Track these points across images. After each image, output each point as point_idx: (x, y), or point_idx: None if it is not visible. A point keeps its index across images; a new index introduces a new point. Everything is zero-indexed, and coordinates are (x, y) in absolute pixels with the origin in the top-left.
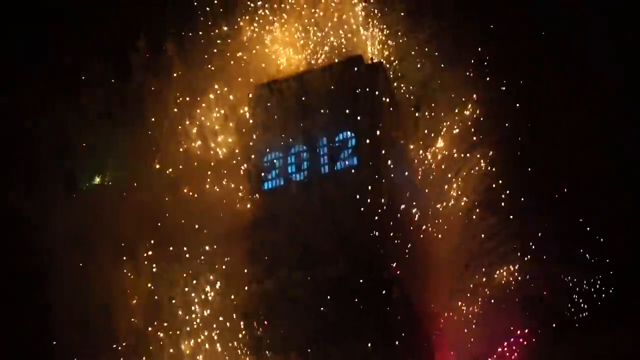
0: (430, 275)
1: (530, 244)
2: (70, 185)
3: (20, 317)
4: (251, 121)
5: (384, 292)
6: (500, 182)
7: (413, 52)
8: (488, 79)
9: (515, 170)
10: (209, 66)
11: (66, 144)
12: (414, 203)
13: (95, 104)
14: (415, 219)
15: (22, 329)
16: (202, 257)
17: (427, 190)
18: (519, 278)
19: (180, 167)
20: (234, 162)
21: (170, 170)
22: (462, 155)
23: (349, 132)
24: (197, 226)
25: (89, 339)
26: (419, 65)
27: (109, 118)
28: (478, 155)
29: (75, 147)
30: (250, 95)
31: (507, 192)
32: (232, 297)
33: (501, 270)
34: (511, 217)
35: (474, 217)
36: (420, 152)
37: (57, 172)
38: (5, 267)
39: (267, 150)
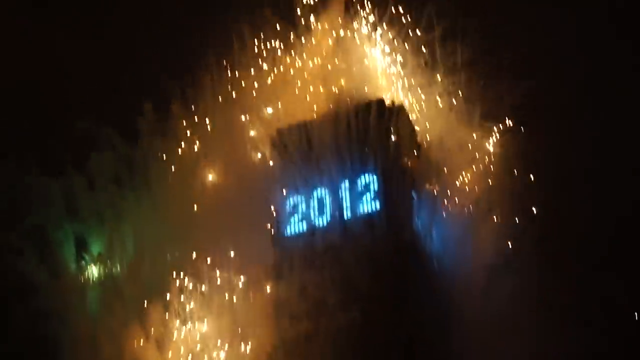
0: (456, 334)
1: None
2: (79, 251)
3: None
4: (272, 166)
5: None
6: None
7: (429, 103)
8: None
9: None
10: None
11: (75, 209)
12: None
13: (105, 169)
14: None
15: None
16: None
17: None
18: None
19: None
20: (255, 208)
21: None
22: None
23: (372, 176)
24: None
25: None
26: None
27: (118, 183)
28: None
29: (85, 213)
30: (272, 140)
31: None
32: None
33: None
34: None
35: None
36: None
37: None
38: (16, 332)
39: (289, 195)
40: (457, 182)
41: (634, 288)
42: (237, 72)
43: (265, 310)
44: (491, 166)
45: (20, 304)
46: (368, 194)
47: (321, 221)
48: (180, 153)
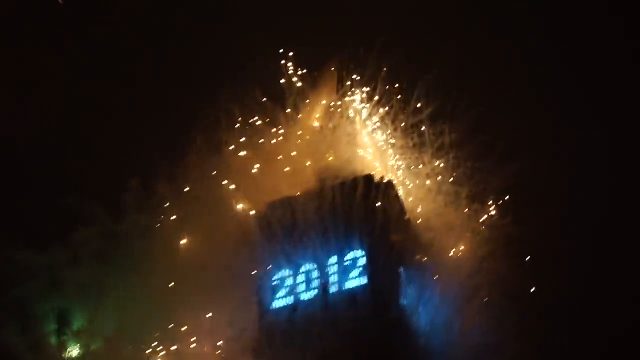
0: None
1: None
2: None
3: None
4: (259, 241)
5: None
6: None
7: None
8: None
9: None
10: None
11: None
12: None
13: (88, 244)
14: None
15: None
16: None
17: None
18: None
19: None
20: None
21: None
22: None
23: (359, 251)
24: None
25: None
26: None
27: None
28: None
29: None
30: (257, 213)
31: None
32: None
33: None
34: None
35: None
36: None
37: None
38: None
39: (275, 269)
40: (444, 262)
41: None
42: (225, 149)
43: None
44: (478, 247)
45: None
46: (355, 269)
47: (307, 295)
48: (164, 229)
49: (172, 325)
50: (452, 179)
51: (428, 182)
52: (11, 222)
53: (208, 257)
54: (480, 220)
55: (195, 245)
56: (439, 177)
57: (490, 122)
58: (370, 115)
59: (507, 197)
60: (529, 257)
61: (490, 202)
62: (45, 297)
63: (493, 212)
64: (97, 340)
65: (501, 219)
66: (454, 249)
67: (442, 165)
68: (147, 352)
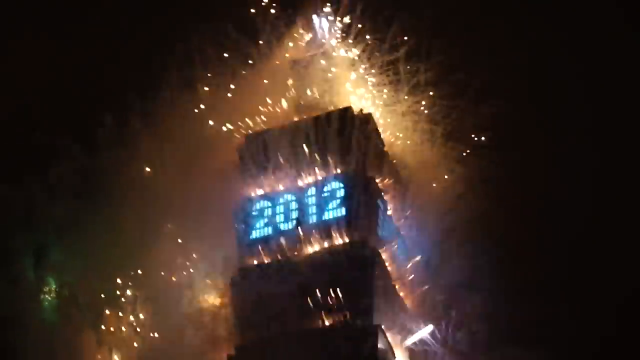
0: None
1: None
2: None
3: None
4: (240, 171)
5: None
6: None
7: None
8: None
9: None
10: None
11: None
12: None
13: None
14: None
15: None
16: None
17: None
18: None
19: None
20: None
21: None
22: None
23: (337, 183)
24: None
25: None
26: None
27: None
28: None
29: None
30: (235, 146)
31: None
32: None
33: None
34: None
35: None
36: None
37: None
38: None
39: (255, 200)
40: (421, 198)
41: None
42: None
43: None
44: (454, 186)
45: None
46: (333, 201)
47: (285, 226)
48: (139, 163)
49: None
50: (427, 117)
51: (404, 120)
52: None
53: (184, 190)
54: (456, 159)
55: (172, 178)
56: (415, 116)
57: (466, 62)
58: (346, 51)
59: (482, 137)
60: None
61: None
62: (22, 231)
63: (468, 151)
64: (73, 274)
65: (477, 158)
66: (431, 186)
67: (417, 103)
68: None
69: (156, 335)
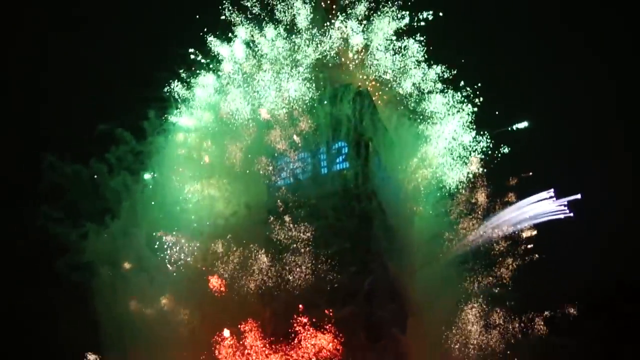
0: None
1: None
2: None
3: None
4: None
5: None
6: None
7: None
8: None
9: None
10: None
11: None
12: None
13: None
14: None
15: None
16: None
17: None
18: None
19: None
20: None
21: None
22: None
23: (342, 143)
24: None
25: None
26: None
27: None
28: None
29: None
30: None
31: None
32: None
33: None
34: None
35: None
36: None
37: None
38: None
39: (282, 155)
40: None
41: None
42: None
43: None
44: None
45: (60, 259)
46: (340, 156)
47: (304, 176)
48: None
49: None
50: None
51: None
52: (61, 144)
53: (226, 155)
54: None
55: (216, 147)
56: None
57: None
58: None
59: None
60: None
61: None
62: (91, 199)
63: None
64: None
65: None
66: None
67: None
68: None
69: None
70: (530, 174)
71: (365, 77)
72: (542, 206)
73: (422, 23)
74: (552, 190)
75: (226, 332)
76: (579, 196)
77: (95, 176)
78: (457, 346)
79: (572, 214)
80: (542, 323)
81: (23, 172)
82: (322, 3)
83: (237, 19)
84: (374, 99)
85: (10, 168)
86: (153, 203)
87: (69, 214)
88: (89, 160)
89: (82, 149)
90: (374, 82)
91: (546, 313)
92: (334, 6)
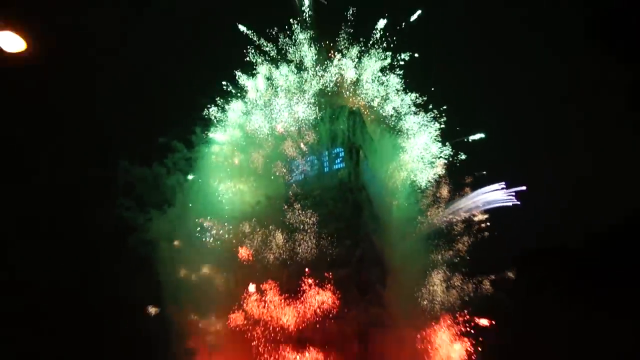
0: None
1: None
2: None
3: None
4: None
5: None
6: None
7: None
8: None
9: None
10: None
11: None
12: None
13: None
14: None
15: None
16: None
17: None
18: None
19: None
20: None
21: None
22: None
23: (339, 149)
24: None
25: None
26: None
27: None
28: None
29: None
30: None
31: None
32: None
33: None
34: None
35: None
36: None
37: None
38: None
39: (293, 159)
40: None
41: None
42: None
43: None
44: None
45: (132, 236)
46: (338, 159)
47: (311, 173)
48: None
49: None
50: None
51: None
52: (131, 153)
53: (251, 160)
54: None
55: (243, 155)
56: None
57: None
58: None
59: None
60: None
61: None
62: (155, 193)
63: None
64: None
65: None
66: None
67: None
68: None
69: None
70: (484, 172)
71: (356, 101)
72: (494, 195)
73: (401, 62)
74: (504, 183)
75: (252, 288)
76: (524, 188)
77: (157, 176)
78: (425, 302)
79: (519, 202)
80: (489, 284)
81: (105, 173)
82: (324, 45)
83: (259, 59)
84: (363, 117)
85: (95, 171)
86: (198, 196)
87: (138, 203)
88: (152, 164)
89: (147, 156)
90: (363, 105)
91: (492, 276)
92: (333, 49)
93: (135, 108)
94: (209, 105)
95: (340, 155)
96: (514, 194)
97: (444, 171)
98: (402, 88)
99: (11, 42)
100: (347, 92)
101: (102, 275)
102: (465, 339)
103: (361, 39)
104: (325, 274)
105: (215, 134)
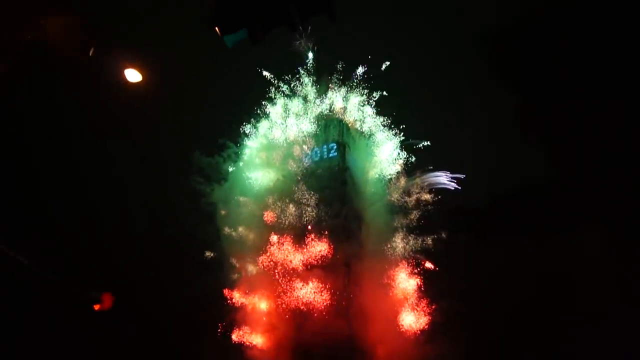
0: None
1: None
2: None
3: None
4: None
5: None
6: None
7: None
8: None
9: None
10: None
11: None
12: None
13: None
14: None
15: None
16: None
17: None
18: None
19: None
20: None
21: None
22: None
23: (332, 144)
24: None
25: None
26: None
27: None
28: None
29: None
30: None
31: None
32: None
33: None
34: None
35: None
36: None
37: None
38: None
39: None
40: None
41: None
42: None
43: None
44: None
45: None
46: (332, 151)
47: (315, 159)
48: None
49: None
50: None
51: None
52: (202, 148)
53: (273, 158)
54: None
55: (267, 155)
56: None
57: None
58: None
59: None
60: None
61: None
62: (214, 173)
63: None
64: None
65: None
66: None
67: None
68: None
69: None
70: (431, 167)
71: (344, 118)
72: (438, 179)
73: (375, 97)
74: (447, 172)
75: (274, 238)
76: (463, 176)
77: (217, 162)
78: (389, 252)
79: (460, 187)
80: (431, 240)
81: (183, 161)
82: (325, 81)
83: (277, 94)
84: (348, 126)
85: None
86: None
87: (206, 180)
88: (214, 155)
89: (212, 150)
90: (348, 120)
91: (434, 235)
92: (329, 84)
93: (206, 120)
94: (244, 123)
95: (333, 148)
96: (455, 180)
97: (401, 168)
98: (374, 113)
99: (134, 76)
100: (338, 115)
101: (184, 223)
102: (417, 277)
103: (346, 82)
104: (323, 224)
105: (248, 142)
